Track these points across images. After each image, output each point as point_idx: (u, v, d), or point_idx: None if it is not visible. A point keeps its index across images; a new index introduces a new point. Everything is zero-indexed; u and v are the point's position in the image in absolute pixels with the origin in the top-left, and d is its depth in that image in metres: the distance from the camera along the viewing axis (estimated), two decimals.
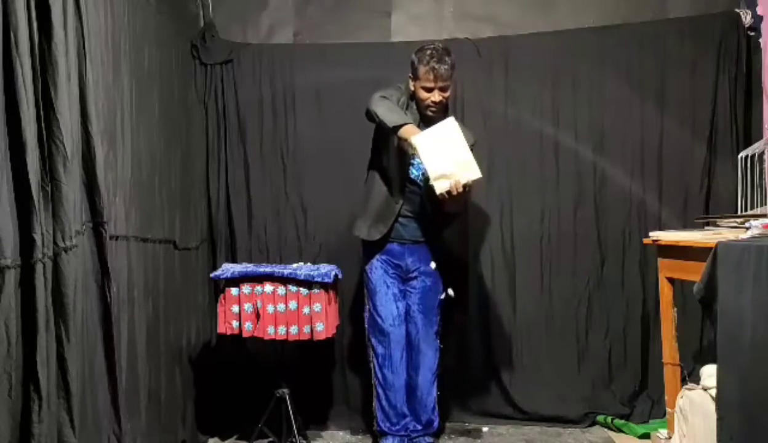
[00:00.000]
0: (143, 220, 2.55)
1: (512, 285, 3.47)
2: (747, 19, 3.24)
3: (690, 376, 2.66)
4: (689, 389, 2.33)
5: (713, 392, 2.03)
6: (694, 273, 2.15)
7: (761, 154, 2.63)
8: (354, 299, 3.37)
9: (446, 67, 2.75)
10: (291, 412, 2.90)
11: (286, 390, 2.93)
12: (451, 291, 3.08)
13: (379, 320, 2.93)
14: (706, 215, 3.12)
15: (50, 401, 1.62)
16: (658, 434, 2.76)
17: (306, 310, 2.79)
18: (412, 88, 2.85)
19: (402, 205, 2.90)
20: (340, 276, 2.94)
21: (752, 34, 3.24)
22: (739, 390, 1.79)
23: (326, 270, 2.83)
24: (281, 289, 2.81)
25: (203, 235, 3.46)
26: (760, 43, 3.15)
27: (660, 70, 3.37)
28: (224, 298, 2.85)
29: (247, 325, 2.83)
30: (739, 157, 2.69)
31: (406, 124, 2.64)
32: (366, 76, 3.28)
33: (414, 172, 2.89)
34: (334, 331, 2.94)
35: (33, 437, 1.57)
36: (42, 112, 1.66)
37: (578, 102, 3.44)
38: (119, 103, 2.33)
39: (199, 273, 3.34)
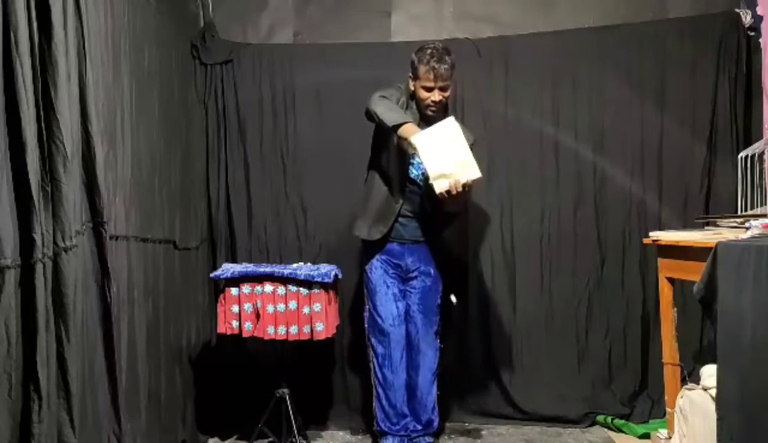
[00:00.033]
0: (143, 220, 2.55)
1: (512, 285, 3.47)
2: (747, 19, 3.24)
3: (690, 376, 2.66)
4: (689, 389, 2.33)
5: (713, 392, 2.03)
6: (694, 273, 2.15)
7: (761, 154, 2.63)
8: (354, 299, 3.37)
9: (446, 66, 2.75)
10: (291, 412, 2.90)
11: (286, 390, 2.93)
12: (453, 298, 3.09)
13: (379, 320, 2.93)
14: (706, 215, 3.12)
15: (50, 401, 1.62)
16: (658, 434, 2.76)
17: (306, 310, 2.79)
18: (412, 88, 2.85)
19: (402, 205, 2.90)
20: (340, 276, 2.94)
21: (752, 34, 3.24)
22: (739, 390, 1.79)
23: (326, 270, 2.83)
24: (281, 289, 2.81)
25: (203, 235, 3.46)
26: (760, 43, 3.15)
27: (660, 70, 3.37)
28: (224, 298, 2.85)
29: (247, 325, 2.83)
30: (739, 157, 2.69)
31: (405, 122, 2.64)
32: (366, 76, 3.28)
33: (414, 172, 2.89)
34: (334, 331, 2.94)
35: (33, 437, 1.57)
36: (42, 112, 1.66)
37: (578, 102, 3.44)
38: (119, 103, 2.33)
39: (199, 273, 3.34)
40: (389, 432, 2.92)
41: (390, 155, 2.88)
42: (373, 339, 2.96)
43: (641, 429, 3.13)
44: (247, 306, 2.83)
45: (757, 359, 1.70)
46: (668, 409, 2.64)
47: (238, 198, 3.53)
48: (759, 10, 3.13)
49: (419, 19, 3.58)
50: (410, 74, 2.85)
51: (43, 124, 1.66)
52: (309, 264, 3.09)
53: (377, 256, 2.95)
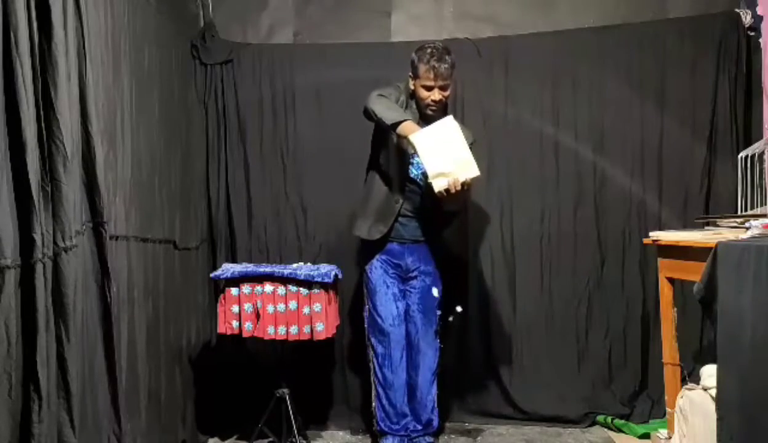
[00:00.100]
0: (143, 220, 2.55)
1: (512, 285, 3.47)
2: (747, 19, 3.24)
3: (690, 376, 2.66)
4: (689, 389, 2.33)
5: (713, 392, 2.03)
6: (694, 273, 2.15)
7: (761, 154, 2.63)
8: (354, 299, 3.37)
9: (446, 65, 2.75)
10: (291, 412, 2.90)
11: (286, 390, 2.93)
12: (459, 308, 3.09)
13: (378, 320, 2.93)
14: (706, 215, 3.12)
15: (50, 401, 1.62)
16: (658, 434, 2.76)
17: (306, 310, 2.79)
18: (412, 87, 2.85)
19: (402, 205, 2.90)
20: (340, 276, 2.94)
21: (752, 34, 3.24)
22: (739, 390, 1.79)
23: (326, 270, 2.83)
24: (281, 289, 2.81)
25: (203, 235, 3.46)
26: (760, 43, 3.15)
27: (660, 70, 3.37)
28: (224, 298, 2.85)
29: (247, 325, 2.82)
30: (739, 157, 2.69)
31: (404, 120, 2.64)
32: (366, 76, 3.27)
33: (414, 172, 2.89)
34: (334, 331, 2.94)
35: (33, 437, 1.57)
36: (42, 112, 1.66)
37: (578, 102, 3.44)
38: (119, 103, 2.33)
39: (199, 273, 3.34)
40: (389, 432, 2.92)
41: (390, 155, 2.88)
42: (373, 339, 2.96)
43: (641, 429, 3.13)
44: (247, 306, 2.83)
45: (757, 359, 1.69)
46: (668, 409, 2.64)
47: (238, 198, 3.53)
48: (759, 10, 3.13)
49: (419, 19, 3.58)
50: (410, 73, 2.85)
51: (43, 124, 1.66)
52: (309, 264, 3.09)
53: (377, 256, 2.95)
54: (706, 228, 2.55)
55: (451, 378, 3.36)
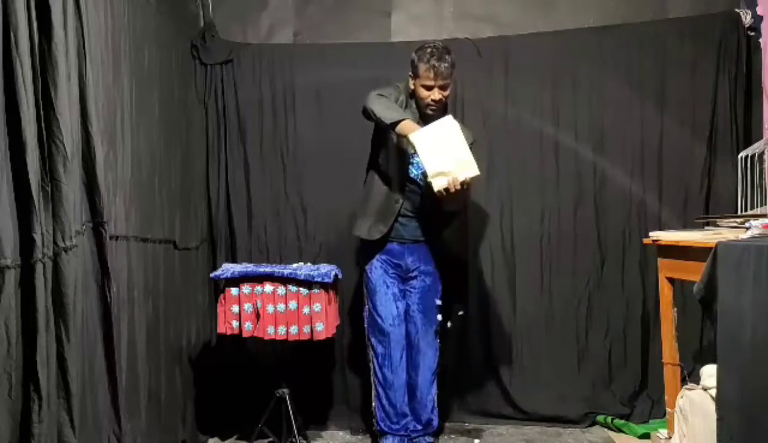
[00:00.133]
0: (143, 220, 2.55)
1: (512, 285, 3.47)
2: (747, 19, 3.24)
3: (690, 376, 2.66)
4: (689, 389, 2.33)
5: (713, 392, 2.03)
6: (694, 273, 2.15)
7: (761, 154, 2.63)
8: (354, 299, 3.37)
9: (446, 65, 2.75)
10: (291, 412, 2.90)
11: (286, 390, 2.93)
12: (460, 312, 3.09)
13: (378, 320, 2.93)
14: (706, 215, 3.12)
15: (50, 401, 1.62)
16: (658, 434, 2.76)
17: (306, 310, 2.79)
18: (412, 87, 2.85)
19: (402, 205, 2.90)
20: (340, 276, 2.94)
21: (752, 34, 3.24)
22: (739, 390, 1.79)
23: (326, 270, 2.83)
24: (281, 289, 2.81)
25: (203, 235, 3.46)
26: (760, 43, 3.15)
27: (660, 70, 3.37)
28: (224, 298, 2.84)
29: (247, 325, 2.82)
30: (739, 157, 2.69)
31: (403, 120, 2.64)
32: (366, 76, 3.27)
33: (414, 171, 2.89)
34: (334, 331, 2.94)
35: (33, 437, 1.57)
36: (42, 112, 1.66)
37: (578, 102, 3.44)
38: (119, 103, 2.33)
39: (199, 273, 3.34)
40: (389, 432, 2.92)
41: (390, 155, 2.88)
42: (372, 339, 2.96)
43: (641, 429, 3.13)
44: (247, 306, 2.82)
45: (757, 359, 1.70)
46: (668, 409, 2.64)
47: (238, 198, 3.53)
48: (759, 10, 3.13)
49: (419, 19, 3.58)
50: (410, 73, 2.85)
51: (43, 124, 1.66)
52: (309, 264, 3.09)
53: (377, 256, 2.95)
54: (706, 228, 2.55)
55: (451, 378, 3.36)
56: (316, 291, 2.79)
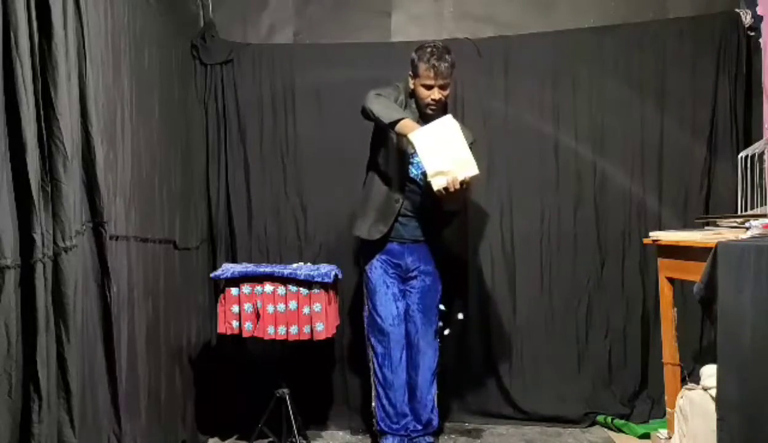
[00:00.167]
0: (143, 220, 2.55)
1: (512, 285, 3.47)
2: (747, 19, 3.25)
3: (690, 376, 2.66)
4: (689, 389, 2.33)
5: (713, 392, 2.03)
6: (694, 273, 2.15)
7: (761, 154, 2.63)
8: (354, 299, 3.37)
9: (446, 64, 2.75)
10: (291, 412, 2.90)
11: (286, 390, 2.93)
12: (460, 315, 3.09)
13: (378, 320, 2.93)
14: (706, 215, 3.12)
15: (50, 401, 1.62)
16: (658, 434, 2.77)
17: (306, 310, 2.79)
18: (412, 86, 2.85)
19: (402, 204, 2.90)
20: (340, 276, 2.94)
21: (752, 34, 3.25)
22: (739, 390, 1.80)
23: (326, 270, 2.83)
24: (281, 289, 2.81)
25: (203, 235, 3.46)
26: (760, 43, 3.16)
27: (660, 70, 3.37)
28: (224, 298, 2.85)
29: (247, 325, 2.82)
30: (739, 157, 2.69)
31: (402, 119, 2.64)
32: (366, 76, 3.27)
33: (414, 171, 2.89)
34: (334, 331, 2.94)
35: (33, 437, 1.57)
36: (42, 112, 1.66)
37: (578, 102, 3.44)
38: (119, 103, 2.33)
39: (199, 273, 3.34)
40: (389, 432, 2.92)
41: (389, 154, 2.88)
42: (372, 339, 2.96)
43: (641, 429, 3.13)
44: (247, 306, 2.83)
45: (757, 359, 1.70)
46: (668, 409, 2.65)
47: (238, 198, 3.53)
48: (759, 10, 3.14)
49: (419, 19, 3.59)
50: (410, 73, 2.85)
51: (43, 124, 1.66)
52: (309, 264, 3.09)
53: (377, 256, 2.95)
54: (706, 228, 2.55)
55: (451, 378, 3.36)
56: (316, 291, 2.79)
